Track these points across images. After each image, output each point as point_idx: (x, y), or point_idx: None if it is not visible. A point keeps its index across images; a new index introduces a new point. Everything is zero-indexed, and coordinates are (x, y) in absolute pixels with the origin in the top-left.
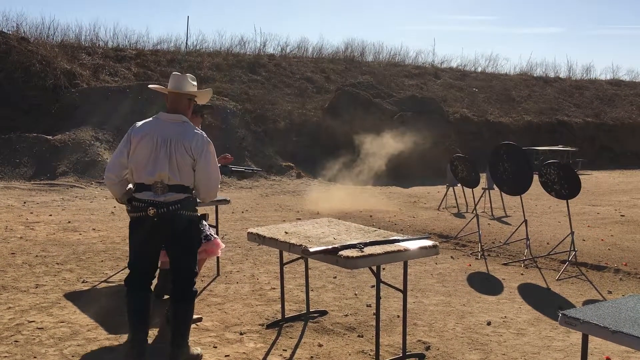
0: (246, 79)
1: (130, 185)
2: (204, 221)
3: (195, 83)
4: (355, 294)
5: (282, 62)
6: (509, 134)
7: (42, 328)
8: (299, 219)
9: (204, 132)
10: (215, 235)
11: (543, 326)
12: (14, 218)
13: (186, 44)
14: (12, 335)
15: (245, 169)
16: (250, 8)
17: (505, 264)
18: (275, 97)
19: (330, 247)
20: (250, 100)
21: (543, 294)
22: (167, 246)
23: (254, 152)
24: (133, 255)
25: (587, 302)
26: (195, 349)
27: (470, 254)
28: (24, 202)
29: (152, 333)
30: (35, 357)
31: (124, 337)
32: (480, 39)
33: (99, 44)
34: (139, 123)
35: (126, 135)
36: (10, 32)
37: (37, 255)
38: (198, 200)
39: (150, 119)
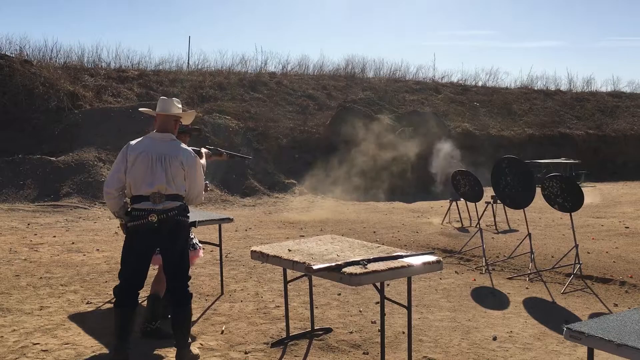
0: (248, 97)
1: (127, 199)
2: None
3: (180, 106)
4: (360, 311)
5: (283, 79)
6: (510, 147)
7: (46, 350)
8: (303, 236)
9: (189, 148)
10: (199, 245)
11: (549, 340)
12: (18, 240)
13: (188, 63)
14: (17, 358)
15: (235, 154)
16: (251, 27)
17: (510, 278)
18: (277, 115)
19: (333, 264)
20: (252, 118)
21: (549, 307)
22: (164, 251)
23: (256, 169)
24: (127, 264)
25: (593, 315)
26: (194, 349)
27: (475, 268)
28: (28, 224)
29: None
30: None
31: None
32: (480, 53)
33: (101, 65)
34: (133, 142)
35: (121, 154)
36: (13, 55)
37: (41, 277)
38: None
39: (142, 138)
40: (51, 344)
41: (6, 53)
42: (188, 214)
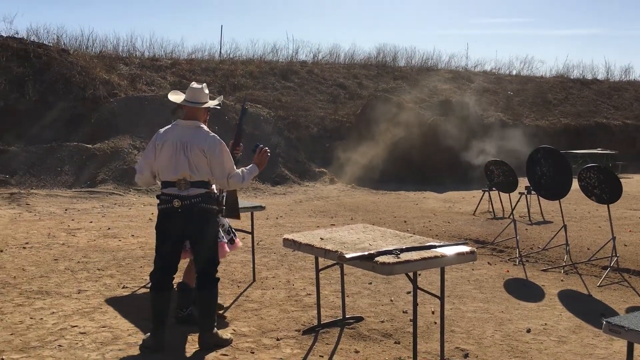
0: (279, 86)
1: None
2: (220, 216)
3: (207, 91)
4: (391, 300)
5: (314, 68)
6: (545, 137)
7: (84, 333)
8: (333, 224)
9: (215, 134)
10: (223, 238)
11: (585, 334)
12: (56, 225)
13: (220, 52)
14: (56, 340)
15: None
16: (282, 16)
17: (544, 270)
18: (308, 104)
19: (366, 253)
20: (283, 107)
21: (584, 300)
22: (189, 237)
23: (287, 158)
24: (158, 247)
25: (630, 309)
26: (226, 334)
27: (508, 259)
28: (66, 210)
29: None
30: None
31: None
32: (514, 41)
33: (135, 54)
34: (162, 130)
35: (151, 142)
36: (51, 44)
37: (78, 261)
38: (217, 191)
39: (171, 125)
40: (89, 326)
41: (44, 42)
42: (215, 202)
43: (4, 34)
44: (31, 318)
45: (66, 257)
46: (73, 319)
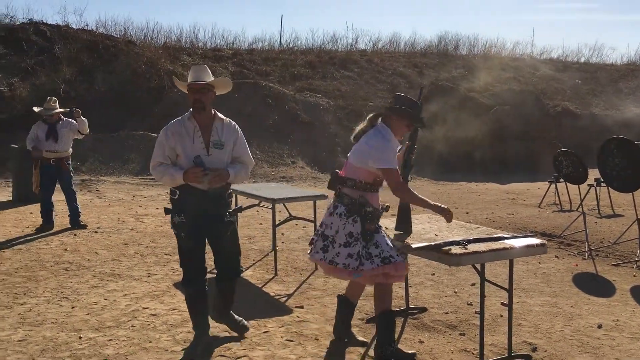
0: (338, 75)
1: None
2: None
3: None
4: (455, 292)
5: (374, 57)
6: (617, 127)
7: (155, 315)
8: (394, 215)
9: (169, 124)
10: (337, 261)
11: None
12: (124, 211)
13: (280, 42)
14: (129, 321)
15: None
16: (342, 5)
17: (615, 265)
18: (367, 93)
19: (433, 243)
20: (342, 97)
21: None
22: None
23: (346, 148)
24: None
25: None
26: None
27: (577, 253)
28: (133, 196)
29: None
30: (150, 342)
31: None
32: (583, 27)
33: (198, 45)
34: None
35: None
36: (118, 36)
37: (147, 246)
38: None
39: None
40: (159, 309)
41: (112, 34)
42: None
43: (74, 26)
44: (105, 299)
45: (135, 242)
46: (144, 301)
